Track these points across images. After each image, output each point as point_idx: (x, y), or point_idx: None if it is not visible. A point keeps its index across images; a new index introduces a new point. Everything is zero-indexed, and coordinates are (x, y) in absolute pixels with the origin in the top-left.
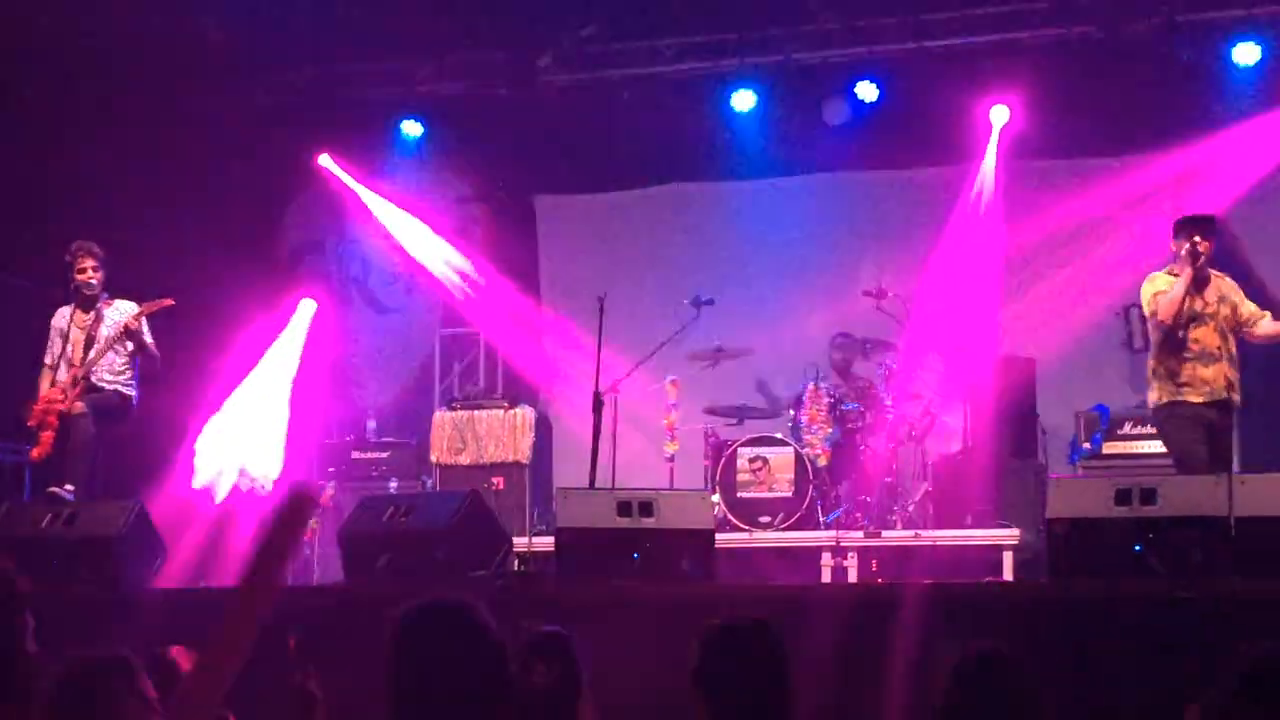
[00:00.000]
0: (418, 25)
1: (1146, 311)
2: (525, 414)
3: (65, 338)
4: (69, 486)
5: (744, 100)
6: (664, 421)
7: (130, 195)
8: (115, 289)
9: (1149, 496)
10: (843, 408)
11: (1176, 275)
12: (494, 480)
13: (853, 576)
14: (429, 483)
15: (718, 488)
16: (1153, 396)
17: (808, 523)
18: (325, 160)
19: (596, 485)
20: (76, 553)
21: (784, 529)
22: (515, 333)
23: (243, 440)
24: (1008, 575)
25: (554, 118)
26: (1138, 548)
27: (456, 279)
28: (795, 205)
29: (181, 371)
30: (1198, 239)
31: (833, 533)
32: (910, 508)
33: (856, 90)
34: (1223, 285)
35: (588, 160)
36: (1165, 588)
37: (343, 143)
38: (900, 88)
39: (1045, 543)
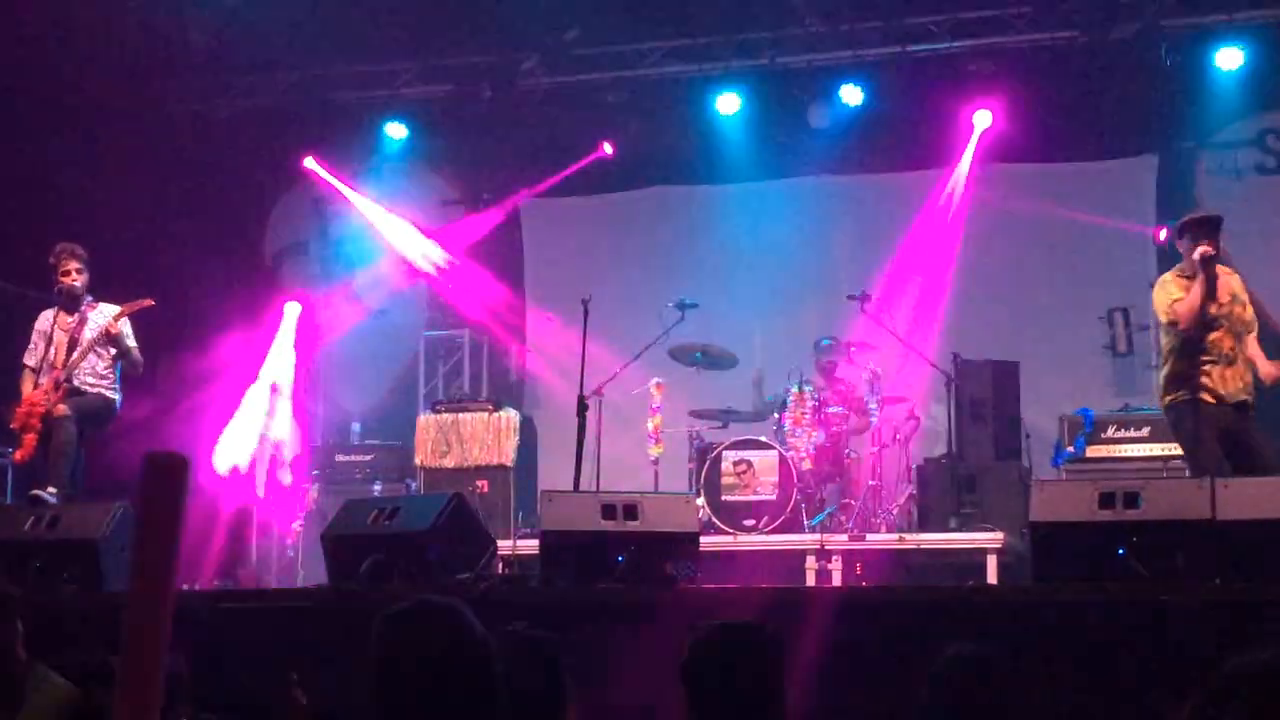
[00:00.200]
0: (401, 28)
1: (1163, 319)
2: (510, 417)
3: (48, 340)
4: (51, 489)
5: (728, 103)
6: (649, 424)
7: (114, 197)
8: (99, 291)
9: (1132, 500)
10: (827, 411)
11: (1186, 278)
12: (479, 483)
13: (837, 580)
14: (413, 485)
15: (702, 490)
16: (1166, 399)
17: (792, 526)
18: (311, 163)
19: (581, 488)
20: (59, 555)
21: (769, 532)
22: (500, 335)
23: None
24: (991, 578)
25: (538, 121)
26: (1121, 551)
27: (441, 277)
28: (780, 208)
29: (164, 373)
30: (1204, 243)
31: (817, 536)
32: (894, 511)
33: (841, 94)
34: (1232, 283)
35: (572, 163)
36: (1148, 591)
37: (326, 145)
38: (885, 92)
39: (1029, 546)
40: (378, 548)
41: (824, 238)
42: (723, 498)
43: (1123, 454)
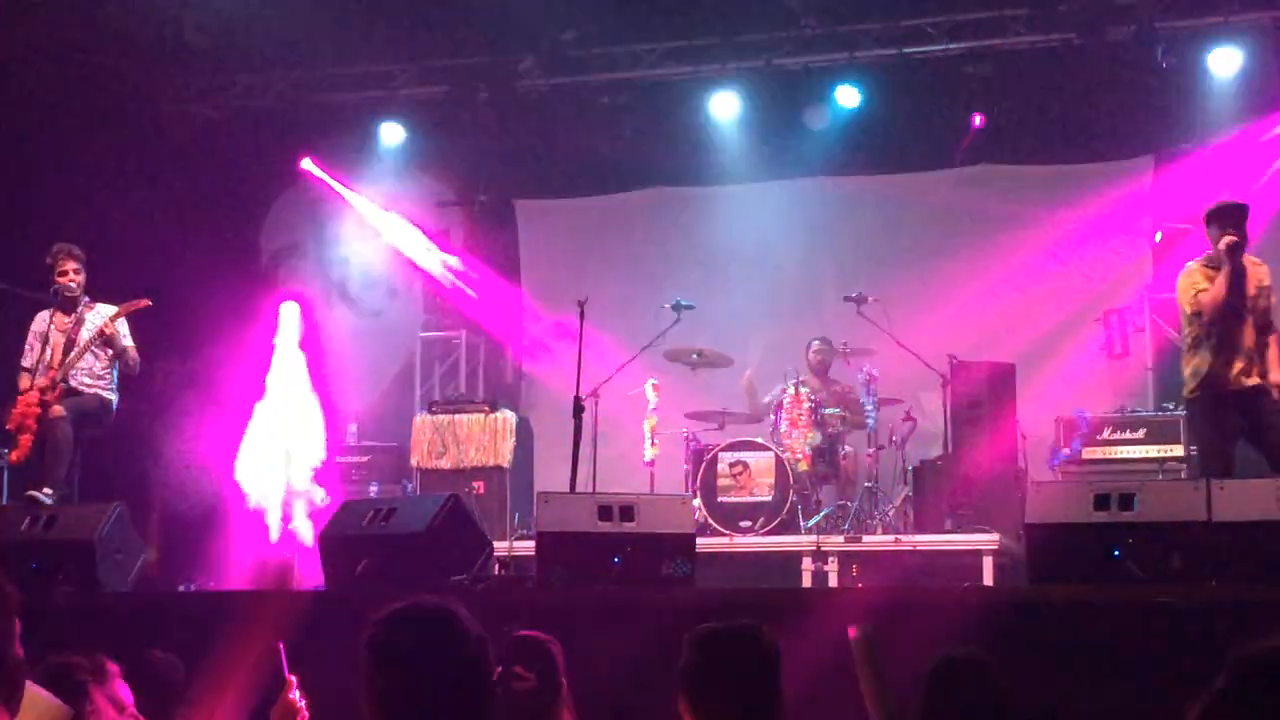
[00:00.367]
0: (398, 29)
1: (1187, 308)
2: (506, 418)
3: (45, 341)
4: (48, 490)
5: (725, 104)
6: (645, 426)
7: (111, 198)
8: (96, 292)
9: (1127, 501)
10: (823, 412)
11: (1213, 268)
12: (475, 484)
13: (833, 581)
14: (410, 487)
15: (698, 492)
16: (1188, 390)
17: (788, 527)
18: (308, 164)
19: (577, 489)
20: (56, 556)
21: (765, 534)
22: (496, 336)
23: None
24: (987, 580)
25: (535, 121)
26: (1116, 552)
27: (439, 280)
28: (776, 210)
29: (161, 374)
30: (1230, 232)
31: (813, 537)
32: (890, 512)
33: (838, 96)
34: (1260, 273)
35: (568, 164)
36: (1144, 592)
37: (323, 146)
38: (881, 94)
39: (1024, 547)
40: (374, 549)
41: (821, 239)
42: (719, 499)
43: (1118, 456)
